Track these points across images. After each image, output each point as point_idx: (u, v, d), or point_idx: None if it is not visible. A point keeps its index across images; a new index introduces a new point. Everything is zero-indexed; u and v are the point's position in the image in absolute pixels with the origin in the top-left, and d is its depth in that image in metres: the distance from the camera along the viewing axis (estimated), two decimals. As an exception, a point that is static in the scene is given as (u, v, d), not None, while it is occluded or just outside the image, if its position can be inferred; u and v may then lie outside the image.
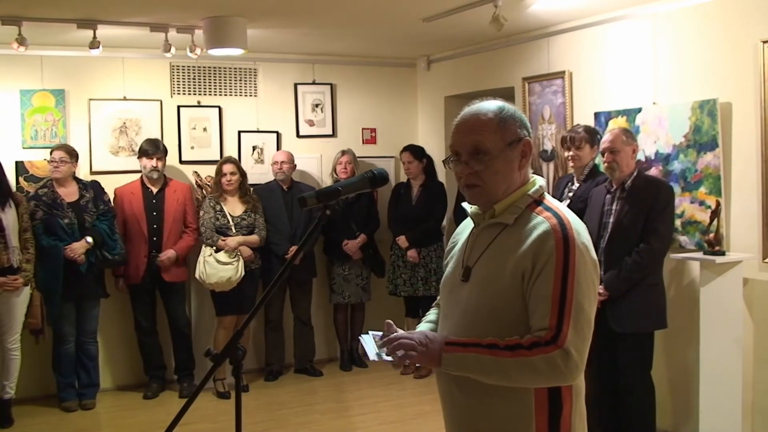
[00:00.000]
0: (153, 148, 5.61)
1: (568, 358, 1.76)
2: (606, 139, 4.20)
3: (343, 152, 6.28)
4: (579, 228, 1.89)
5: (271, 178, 6.14)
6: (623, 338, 4.06)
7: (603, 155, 4.17)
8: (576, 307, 1.79)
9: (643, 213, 4.03)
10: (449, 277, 2.09)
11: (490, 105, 1.97)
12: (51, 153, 5.31)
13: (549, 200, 1.97)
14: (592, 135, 4.54)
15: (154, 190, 5.69)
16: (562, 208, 1.95)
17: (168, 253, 5.57)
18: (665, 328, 4.18)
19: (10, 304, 4.94)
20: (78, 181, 5.44)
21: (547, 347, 1.76)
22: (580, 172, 4.57)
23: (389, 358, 1.90)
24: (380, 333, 2.01)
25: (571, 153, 4.54)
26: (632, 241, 4.04)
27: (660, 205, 4.03)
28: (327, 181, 6.46)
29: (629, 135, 4.19)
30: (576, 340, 1.77)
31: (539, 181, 2.00)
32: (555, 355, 1.75)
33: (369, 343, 2.02)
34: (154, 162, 5.59)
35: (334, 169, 6.27)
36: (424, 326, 2.19)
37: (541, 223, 1.87)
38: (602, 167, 4.29)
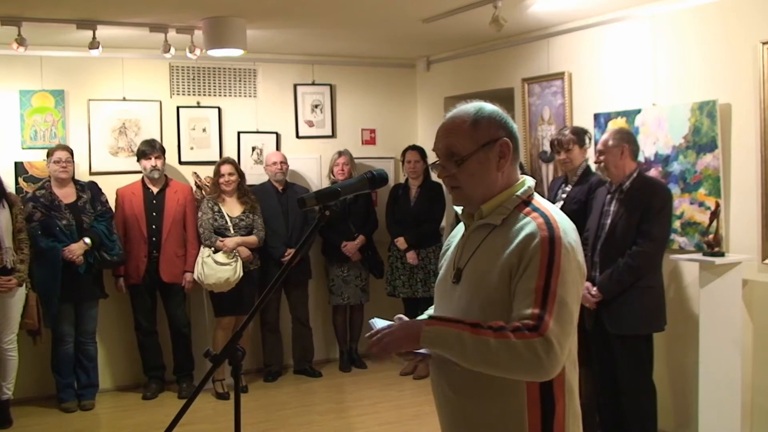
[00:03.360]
0: (150, 148, 5.62)
1: (549, 348, 1.74)
2: (599, 140, 4.21)
3: (340, 153, 6.26)
4: (566, 228, 1.89)
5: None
6: (619, 340, 4.04)
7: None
8: (559, 301, 1.78)
9: (637, 215, 4.00)
10: (442, 279, 2.09)
11: (468, 107, 1.98)
12: (51, 154, 5.29)
13: (538, 200, 1.97)
14: (579, 136, 4.52)
15: (155, 190, 5.69)
16: (550, 208, 1.95)
17: (187, 278, 5.69)
18: (662, 331, 4.18)
19: (4, 305, 4.93)
20: (75, 182, 5.43)
21: (529, 333, 1.75)
22: (573, 174, 4.56)
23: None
24: (388, 323, 2.00)
25: (562, 157, 4.54)
26: (626, 243, 4.02)
27: (655, 208, 3.99)
28: (326, 183, 6.45)
29: (618, 136, 4.11)
30: (558, 332, 1.76)
31: (528, 182, 2.00)
32: (536, 342, 1.74)
33: (376, 325, 2.01)
34: (153, 161, 5.60)
35: (331, 171, 6.25)
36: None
37: (528, 223, 1.88)
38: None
